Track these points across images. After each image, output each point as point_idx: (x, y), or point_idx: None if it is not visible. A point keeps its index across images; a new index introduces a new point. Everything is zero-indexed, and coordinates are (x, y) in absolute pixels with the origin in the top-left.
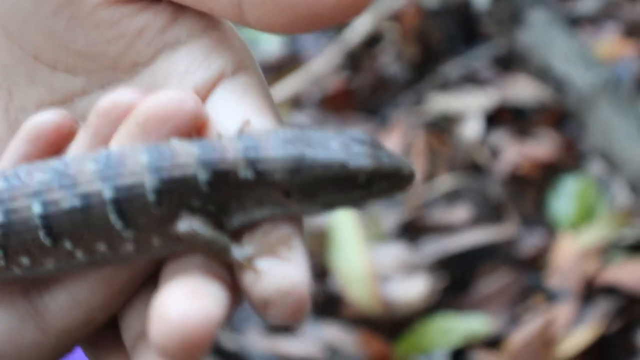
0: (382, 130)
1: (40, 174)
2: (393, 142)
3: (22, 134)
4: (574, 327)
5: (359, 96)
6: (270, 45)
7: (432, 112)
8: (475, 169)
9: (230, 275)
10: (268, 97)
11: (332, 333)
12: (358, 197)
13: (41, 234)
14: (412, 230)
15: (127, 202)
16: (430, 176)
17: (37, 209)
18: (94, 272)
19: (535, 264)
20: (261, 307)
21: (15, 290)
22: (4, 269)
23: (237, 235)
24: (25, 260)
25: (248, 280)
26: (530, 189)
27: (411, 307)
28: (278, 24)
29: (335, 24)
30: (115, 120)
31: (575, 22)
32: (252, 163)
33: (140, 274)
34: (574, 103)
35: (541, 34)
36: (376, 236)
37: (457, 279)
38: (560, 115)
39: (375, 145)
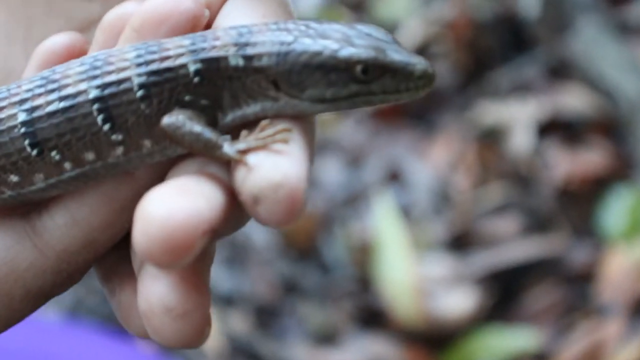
0: (430, 137)
1: (28, 83)
2: (440, 150)
3: (35, 59)
4: (624, 342)
5: (409, 105)
6: None
7: (481, 121)
8: (525, 179)
9: (229, 178)
10: (284, 6)
11: (376, 346)
12: (354, 94)
13: (27, 144)
14: (460, 241)
15: (113, 100)
16: (479, 186)
17: (21, 116)
18: (94, 190)
19: (585, 277)
20: (252, 205)
21: (14, 212)
22: None
23: (234, 134)
24: (14, 178)
25: (239, 176)
26: (581, 201)
27: (458, 320)
28: None
29: None
30: (119, 33)
31: (626, 29)
32: (241, 48)
33: (143, 191)
34: (625, 112)
35: (591, 42)
36: (423, 246)
37: (504, 292)
38: (611, 125)
39: (390, 42)
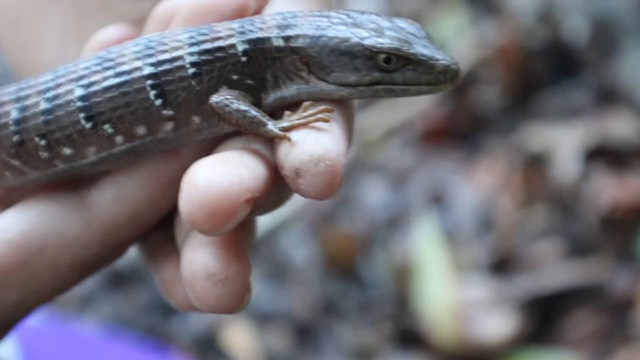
0: (475, 159)
1: (85, 62)
2: (485, 173)
3: (88, 49)
4: None
5: (456, 127)
6: None
7: (528, 144)
8: (569, 204)
9: (272, 155)
10: (327, 0)
11: None
12: (376, 81)
13: (81, 117)
14: (502, 265)
15: (166, 76)
16: (523, 210)
17: (78, 91)
18: (142, 166)
19: (626, 304)
20: (293, 178)
21: (65, 185)
22: (48, 163)
23: (277, 116)
24: (67, 151)
25: (282, 151)
26: (624, 228)
27: (497, 344)
28: None
29: None
30: (169, 25)
31: None
32: (283, 30)
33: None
34: None
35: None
36: (464, 268)
37: (544, 317)
38: None
39: (422, 37)
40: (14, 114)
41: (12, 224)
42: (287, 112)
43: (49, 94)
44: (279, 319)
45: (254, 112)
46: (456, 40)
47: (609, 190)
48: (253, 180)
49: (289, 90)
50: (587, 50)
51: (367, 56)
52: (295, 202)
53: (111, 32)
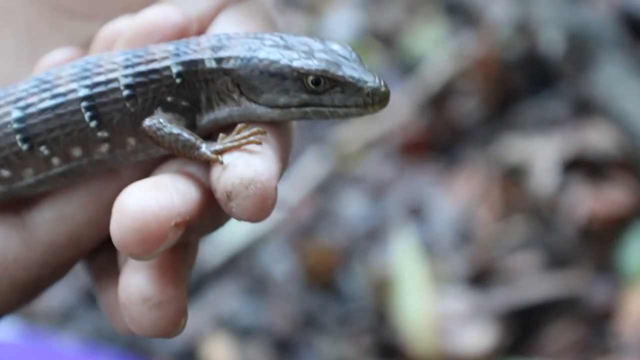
0: (454, 171)
1: (24, 84)
2: (463, 185)
3: (37, 73)
4: None
5: (435, 139)
6: None
7: (506, 156)
8: (547, 216)
9: (207, 178)
10: (270, 22)
11: None
12: (305, 103)
13: (18, 139)
14: (481, 277)
15: (100, 99)
16: (501, 222)
17: (15, 113)
18: (82, 187)
19: (605, 316)
20: (226, 201)
21: (4, 208)
22: None
23: (211, 138)
24: (5, 173)
25: (215, 174)
26: (602, 239)
27: (476, 357)
28: None
29: None
30: (111, 45)
31: None
32: (216, 51)
33: None
34: None
35: (615, 80)
36: (443, 281)
37: (524, 329)
38: (635, 163)
39: (352, 59)
40: None
41: None
42: (221, 135)
43: None
44: (259, 333)
45: (186, 135)
46: (435, 52)
47: (587, 201)
48: (184, 204)
49: (222, 112)
50: (563, 62)
51: (296, 78)
52: (273, 216)
53: (59, 55)
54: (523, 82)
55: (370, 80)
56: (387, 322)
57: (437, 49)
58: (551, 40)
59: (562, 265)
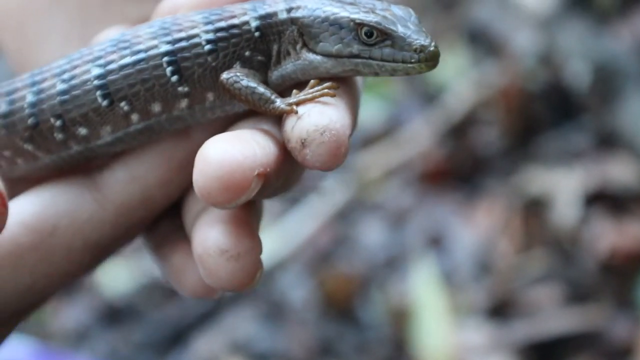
0: (474, 201)
1: (100, 45)
2: (484, 215)
3: None
4: None
5: (456, 168)
6: (372, 116)
7: (527, 187)
8: (569, 249)
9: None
10: None
11: None
12: (356, 54)
13: (98, 95)
14: (500, 309)
15: (182, 54)
16: (522, 254)
17: (95, 70)
18: (153, 148)
19: (624, 351)
20: (300, 149)
21: (77, 168)
22: (63, 144)
23: (284, 95)
24: (83, 131)
25: (289, 124)
26: (623, 274)
27: None
28: None
29: None
30: None
31: None
32: (288, 3)
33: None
34: None
35: None
36: (462, 312)
37: None
38: None
39: (411, 21)
40: (30, 98)
41: (25, 206)
42: (294, 91)
43: (65, 75)
44: (275, 359)
45: (262, 89)
46: (457, 81)
47: (609, 236)
48: (265, 155)
49: (287, 67)
50: (588, 94)
51: (352, 28)
52: (293, 241)
53: (114, 31)
54: (546, 113)
55: (421, 38)
56: (405, 352)
57: (460, 78)
58: (576, 72)
59: (583, 300)
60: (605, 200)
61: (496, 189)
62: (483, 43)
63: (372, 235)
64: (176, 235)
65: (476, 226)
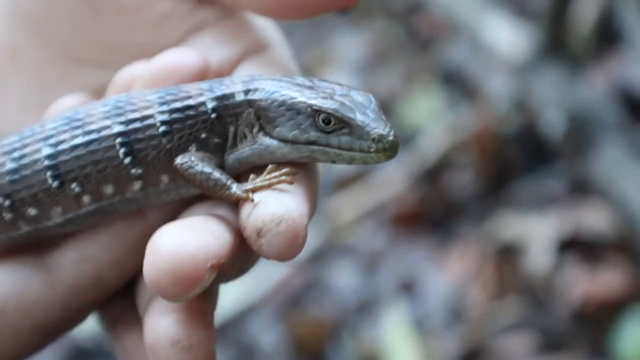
0: (447, 246)
1: (52, 122)
2: (457, 261)
3: (48, 117)
4: None
5: (429, 212)
6: None
7: (500, 233)
8: (542, 297)
9: (237, 220)
10: (290, 73)
11: None
12: (313, 141)
13: (49, 176)
14: (473, 357)
15: (135, 135)
16: (495, 301)
17: (45, 150)
18: (106, 228)
19: None
20: (255, 238)
21: (26, 248)
22: (11, 224)
23: (241, 179)
24: (32, 211)
25: (245, 212)
26: (597, 322)
27: None
28: (270, 8)
29: (323, 13)
30: (127, 90)
31: None
32: (246, 84)
33: (153, 233)
34: None
35: (614, 162)
36: (433, 357)
37: None
38: (631, 246)
39: (370, 108)
40: None
41: None
42: (251, 176)
43: (16, 154)
44: None
45: (218, 174)
46: (431, 123)
47: (582, 283)
48: (219, 246)
49: (244, 151)
50: (563, 142)
51: (309, 114)
52: (263, 285)
53: (71, 100)
54: (519, 158)
55: (380, 127)
56: None
57: (434, 120)
58: (551, 119)
59: (556, 348)
60: (578, 247)
61: (469, 234)
62: (457, 85)
63: (344, 279)
64: (129, 314)
65: (449, 272)
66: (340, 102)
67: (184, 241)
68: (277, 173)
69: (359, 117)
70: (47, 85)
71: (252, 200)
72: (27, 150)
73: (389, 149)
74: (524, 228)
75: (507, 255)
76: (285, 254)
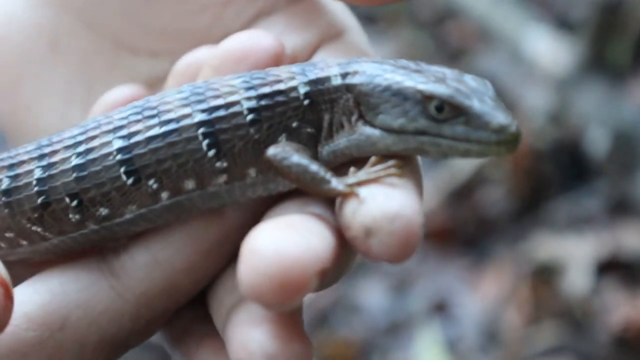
0: (481, 266)
1: (119, 113)
2: (491, 282)
3: (96, 110)
4: None
5: (461, 229)
6: None
7: (536, 254)
8: (580, 321)
9: (335, 218)
10: (371, 55)
11: None
12: (423, 130)
13: (122, 172)
14: None
15: (220, 124)
16: (531, 325)
17: (117, 143)
18: (179, 229)
19: None
20: (363, 238)
21: (90, 251)
22: (78, 224)
23: (340, 172)
24: (102, 211)
25: (349, 209)
26: (638, 349)
27: None
28: None
29: (397, 1)
30: (192, 79)
31: None
32: (343, 67)
33: (233, 234)
34: None
35: None
36: None
37: None
38: None
39: (487, 94)
40: (38, 173)
41: (29, 296)
42: (352, 169)
43: (81, 148)
44: None
45: (315, 167)
46: None
47: (622, 307)
48: (324, 248)
49: (340, 142)
50: (607, 160)
51: (418, 100)
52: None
53: (123, 91)
54: (555, 174)
55: (501, 117)
56: None
57: None
58: (595, 137)
59: None
60: (618, 269)
61: (504, 253)
62: None
63: (373, 298)
64: (200, 327)
65: (483, 293)
66: (455, 87)
67: (287, 242)
68: (382, 166)
69: (477, 105)
70: (93, 76)
71: (357, 196)
72: (95, 143)
73: (511, 142)
74: (561, 248)
75: (544, 276)
76: (399, 256)
